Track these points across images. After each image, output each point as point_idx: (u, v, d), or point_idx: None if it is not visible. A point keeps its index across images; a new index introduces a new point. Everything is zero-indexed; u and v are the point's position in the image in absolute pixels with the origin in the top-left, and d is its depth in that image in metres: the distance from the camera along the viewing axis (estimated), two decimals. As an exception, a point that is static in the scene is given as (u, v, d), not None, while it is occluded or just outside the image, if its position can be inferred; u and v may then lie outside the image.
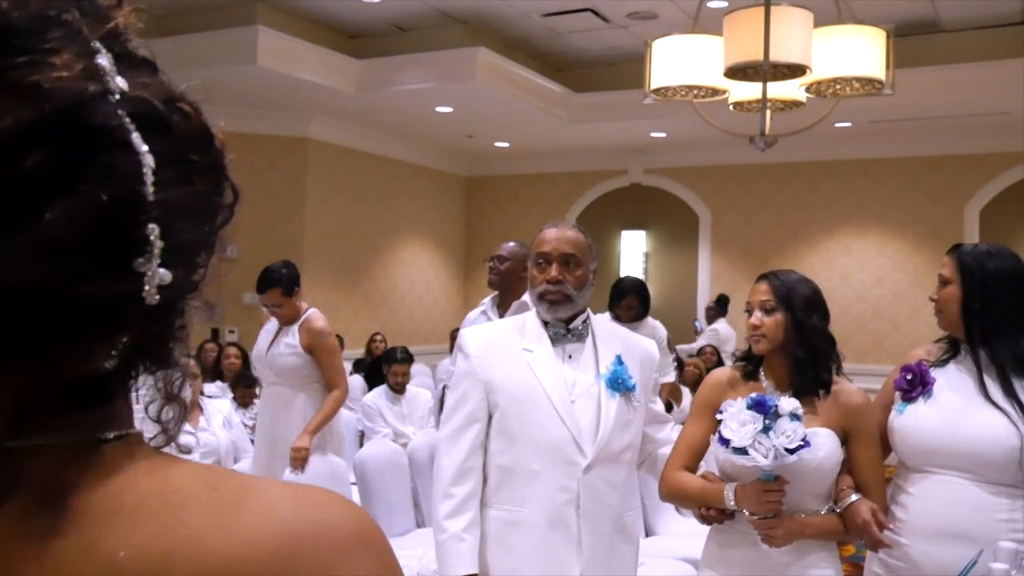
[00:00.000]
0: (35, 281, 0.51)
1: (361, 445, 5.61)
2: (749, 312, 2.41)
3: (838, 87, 4.31)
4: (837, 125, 8.76)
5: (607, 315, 5.60)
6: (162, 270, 0.56)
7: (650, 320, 5.70)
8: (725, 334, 9.24)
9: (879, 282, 9.93)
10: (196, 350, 7.25)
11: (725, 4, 6.29)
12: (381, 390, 6.08)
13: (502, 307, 4.04)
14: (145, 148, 0.55)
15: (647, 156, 10.97)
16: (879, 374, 2.71)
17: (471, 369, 2.46)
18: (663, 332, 5.79)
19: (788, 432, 2.14)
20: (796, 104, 4.59)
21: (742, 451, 2.16)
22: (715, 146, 9.83)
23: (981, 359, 2.37)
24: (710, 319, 9.67)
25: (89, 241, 0.52)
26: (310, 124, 9.29)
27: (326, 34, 8.35)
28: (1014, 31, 7.86)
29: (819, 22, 4.07)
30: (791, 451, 2.13)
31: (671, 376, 6.01)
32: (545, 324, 2.49)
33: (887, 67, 4.14)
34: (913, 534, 2.36)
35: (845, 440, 2.36)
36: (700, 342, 9.14)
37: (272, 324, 4.65)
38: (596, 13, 7.92)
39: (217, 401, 5.14)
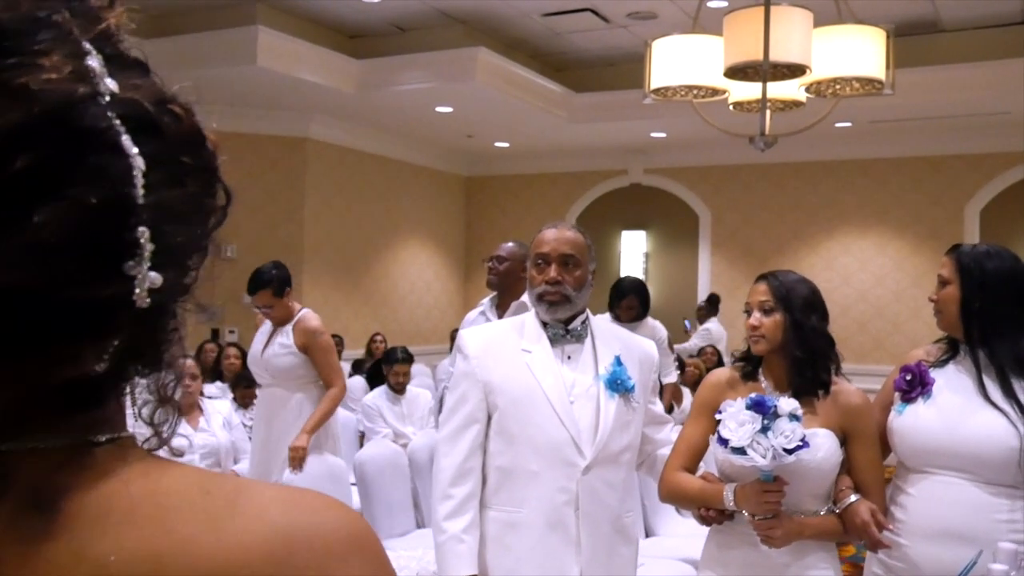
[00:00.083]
0: (24, 284, 0.51)
1: (361, 445, 5.60)
2: (748, 313, 2.41)
3: (838, 87, 4.30)
4: (837, 125, 8.76)
5: (607, 315, 5.60)
6: (152, 273, 0.55)
7: (650, 320, 5.70)
8: (717, 333, 9.24)
9: (879, 282, 9.93)
10: (196, 350, 7.26)
11: (725, 4, 6.29)
12: (381, 390, 6.08)
13: (501, 308, 4.04)
14: (135, 150, 0.54)
15: (647, 156, 10.96)
16: (879, 374, 2.71)
17: (470, 370, 2.45)
18: (663, 333, 5.79)
19: (787, 432, 2.14)
20: (796, 104, 4.59)
21: (741, 451, 2.16)
22: (715, 146, 9.83)
23: (980, 359, 2.36)
24: (701, 319, 9.65)
25: (78, 244, 0.52)
26: (310, 124, 9.29)
27: (326, 34, 8.35)
28: (1014, 31, 7.85)
29: (819, 22, 4.07)
30: (790, 451, 2.13)
31: (673, 377, 6.01)
32: (544, 325, 2.49)
33: (887, 67, 4.14)
34: (913, 535, 2.36)
35: (844, 440, 2.36)
36: (693, 341, 9.13)
37: (267, 326, 4.64)
38: (596, 13, 7.92)
39: (217, 402, 5.14)
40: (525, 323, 2.52)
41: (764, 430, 2.14)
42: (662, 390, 5.95)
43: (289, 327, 4.52)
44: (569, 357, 2.47)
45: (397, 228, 10.78)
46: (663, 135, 9.93)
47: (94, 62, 0.54)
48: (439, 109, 8.91)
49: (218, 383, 6.71)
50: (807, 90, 4.36)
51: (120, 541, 0.54)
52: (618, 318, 5.56)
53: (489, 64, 8.00)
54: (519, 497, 2.38)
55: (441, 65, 8.00)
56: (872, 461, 2.39)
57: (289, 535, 0.56)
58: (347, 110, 9.01)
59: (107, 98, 0.54)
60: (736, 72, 4.08)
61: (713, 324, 9.43)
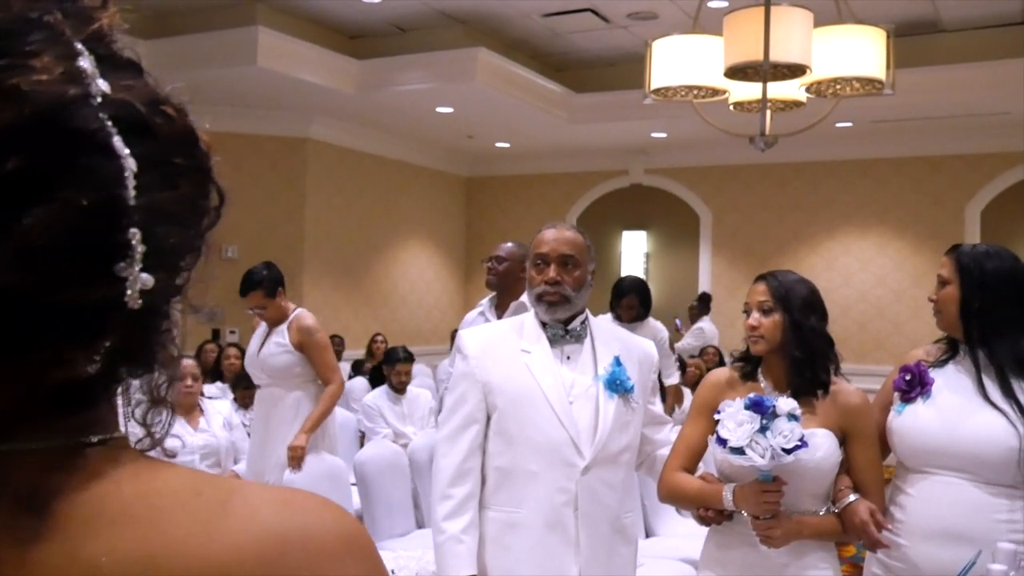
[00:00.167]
0: (14, 286, 0.51)
1: (362, 446, 5.60)
2: (747, 313, 2.41)
3: (838, 87, 4.30)
4: (838, 125, 8.75)
5: (609, 316, 5.60)
6: (144, 275, 0.55)
7: (652, 321, 5.70)
8: (710, 332, 9.24)
9: (880, 282, 9.92)
10: (196, 351, 7.26)
11: (725, 4, 6.28)
12: (382, 390, 6.07)
13: (500, 308, 4.04)
14: (127, 151, 0.54)
15: (648, 156, 10.96)
16: (880, 374, 2.71)
17: (469, 370, 2.45)
18: (665, 333, 5.79)
19: (785, 432, 2.14)
20: (796, 104, 4.58)
21: (739, 451, 2.16)
22: (716, 146, 9.82)
23: (980, 359, 2.36)
24: (693, 318, 9.63)
25: (69, 246, 0.52)
26: (310, 125, 9.29)
27: (326, 35, 8.35)
28: (1014, 31, 7.85)
29: (819, 22, 4.06)
30: (788, 451, 2.13)
31: (676, 378, 6.00)
32: (543, 325, 2.49)
33: (887, 67, 4.13)
34: (912, 535, 2.36)
35: (843, 440, 2.36)
36: (688, 340, 9.12)
37: (263, 327, 4.64)
38: (596, 13, 7.92)
39: (217, 402, 5.13)
40: (524, 323, 2.52)
41: (763, 430, 2.14)
42: (665, 391, 5.95)
43: (284, 326, 4.52)
44: (568, 357, 2.47)
45: (397, 228, 10.78)
46: (663, 135, 9.93)
47: (86, 63, 0.54)
48: (439, 109, 8.91)
49: (218, 383, 6.71)
50: (807, 90, 4.35)
51: (112, 542, 0.53)
52: (619, 318, 5.56)
53: (489, 64, 8.00)
54: (518, 497, 2.38)
55: (441, 65, 8.00)
56: (871, 461, 2.38)
57: (281, 536, 0.56)
58: (347, 110, 9.01)
59: (99, 99, 0.54)
60: (736, 72, 4.08)
61: (705, 323, 9.43)
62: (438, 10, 7.97)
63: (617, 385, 2.42)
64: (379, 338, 9.20)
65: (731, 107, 4.63)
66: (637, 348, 2.58)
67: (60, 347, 0.54)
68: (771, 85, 4.15)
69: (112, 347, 0.56)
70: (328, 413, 4.53)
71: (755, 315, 2.38)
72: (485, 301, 4.17)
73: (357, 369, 8.43)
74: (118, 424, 0.60)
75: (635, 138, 10.17)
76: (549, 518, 2.36)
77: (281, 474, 4.40)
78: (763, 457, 2.13)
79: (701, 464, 2.50)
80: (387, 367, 6.08)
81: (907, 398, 2.43)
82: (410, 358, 6.14)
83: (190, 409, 4.57)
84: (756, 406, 2.17)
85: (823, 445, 2.29)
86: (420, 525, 4.77)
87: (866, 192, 10.02)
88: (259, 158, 9.13)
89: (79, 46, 0.54)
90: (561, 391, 2.40)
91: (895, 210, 9.89)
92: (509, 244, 4.17)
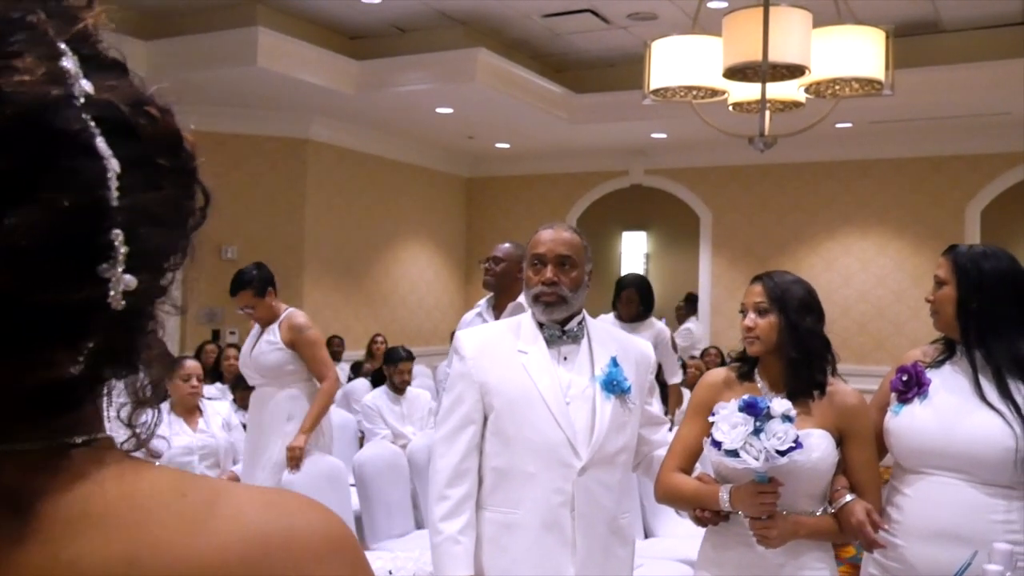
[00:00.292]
0: None
1: (361, 447, 5.60)
2: (743, 314, 2.41)
3: (837, 88, 4.29)
4: (838, 126, 8.75)
5: (610, 316, 5.60)
6: (127, 276, 0.55)
7: (654, 320, 5.70)
8: (699, 333, 9.23)
9: (880, 283, 9.92)
10: (196, 351, 7.26)
11: (725, 4, 6.28)
12: (381, 390, 6.07)
13: (498, 309, 4.04)
14: (110, 153, 0.54)
15: (648, 157, 10.96)
16: (880, 375, 2.70)
17: (466, 371, 2.45)
18: (667, 333, 5.79)
19: (779, 434, 2.13)
20: (795, 105, 4.58)
21: (734, 454, 2.16)
22: (716, 147, 9.82)
23: (977, 360, 2.36)
24: (681, 319, 9.61)
25: (51, 247, 0.52)
26: (310, 125, 9.29)
27: (326, 35, 8.35)
28: (1014, 31, 7.84)
29: (819, 22, 4.06)
30: (782, 453, 2.13)
31: (678, 377, 6.00)
32: (540, 326, 2.49)
33: (886, 67, 4.13)
34: (909, 535, 2.36)
35: (840, 441, 2.36)
36: (676, 341, 9.11)
37: (258, 327, 4.64)
38: (596, 14, 7.91)
39: (217, 403, 5.13)
40: (521, 324, 2.52)
41: (757, 432, 2.14)
42: (667, 391, 5.95)
43: (275, 325, 4.51)
44: (565, 358, 2.47)
45: (398, 229, 10.78)
46: (664, 136, 9.93)
47: (69, 63, 0.54)
48: (439, 110, 8.91)
49: (218, 384, 6.72)
50: (806, 91, 4.35)
51: (95, 544, 0.53)
52: (620, 317, 5.56)
53: (489, 65, 8.00)
54: (515, 498, 2.38)
55: (441, 66, 8.00)
56: (868, 461, 2.38)
57: (265, 537, 0.56)
58: (347, 111, 9.01)
59: (82, 100, 0.54)
60: (735, 73, 4.08)
61: (693, 323, 9.43)
62: (438, 11, 7.97)
63: (614, 386, 2.42)
64: (379, 339, 9.20)
65: (730, 108, 4.63)
66: (634, 349, 2.58)
67: (43, 348, 0.53)
68: (770, 86, 4.14)
69: (96, 348, 0.56)
70: (325, 410, 4.52)
71: (751, 316, 2.38)
72: (483, 302, 4.17)
73: (356, 371, 8.43)
74: (103, 425, 0.60)
75: (635, 139, 10.16)
76: (546, 519, 2.36)
77: (273, 474, 4.38)
78: (757, 459, 2.13)
79: (698, 464, 2.50)
80: (389, 366, 6.07)
81: (904, 399, 2.43)
82: (411, 357, 6.14)
83: (190, 410, 4.57)
84: (750, 408, 2.17)
85: (819, 446, 2.29)
86: (419, 526, 4.77)
87: (866, 192, 10.01)
88: (259, 158, 9.14)
89: (62, 46, 0.54)
90: (558, 392, 2.40)
91: (895, 210, 9.88)
92: (506, 245, 4.17)
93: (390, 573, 3.14)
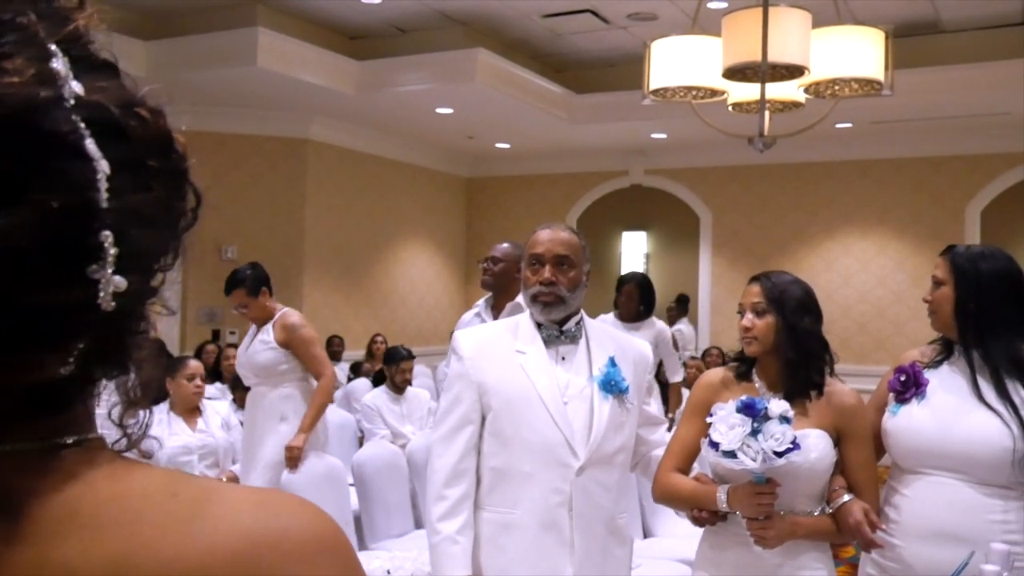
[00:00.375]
0: None
1: (360, 446, 5.60)
2: (741, 314, 2.41)
3: (837, 88, 4.29)
4: (838, 126, 8.75)
5: (611, 315, 5.61)
6: (117, 277, 0.55)
7: (655, 320, 5.70)
8: (688, 334, 9.22)
9: (880, 283, 9.92)
10: (196, 351, 7.26)
11: (725, 5, 6.28)
12: (381, 390, 6.07)
13: (496, 309, 4.03)
14: (100, 154, 0.54)
15: (648, 157, 10.96)
16: (880, 375, 2.70)
17: (464, 371, 2.46)
18: (668, 332, 5.80)
19: (777, 435, 2.13)
20: (795, 105, 4.58)
21: (731, 454, 2.16)
22: (716, 147, 9.82)
23: (975, 360, 2.36)
24: (672, 320, 9.60)
25: (40, 249, 0.52)
26: (310, 125, 9.29)
27: (326, 35, 8.35)
28: (1014, 31, 7.84)
29: (819, 22, 4.06)
30: (779, 454, 2.13)
31: (679, 376, 6.01)
32: (538, 326, 2.49)
33: (886, 68, 4.13)
34: (906, 535, 2.36)
35: (838, 441, 2.36)
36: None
37: (254, 328, 4.64)
38: (596, 14, 7.92)
39: (216, 403, 5.14)
40: (519, 324, 2.52)
41: (754, 433, 2.14)
42: (668, 389, 5.96)
43: (269, 325, 4.51)
44: (563, 358, 2.47)
45: (398, 229, 10.78)
46: (664, 136, 9.93)
47: (59, 65, 0.54)
48: (439, 110, 8.91)
49: (218, 384, 6.72)
50: (806, 91, 4.35)
51: (85, 544, 0.53)
52: (620, 316, 5.56)
53: (489, 65, 8.00)
54: (513, 498, 2.38)
55: (441, 66, 8.00)
56: (865, 461, 2.38)
57: (256, 537, 0.56)
58: (347, 111, 9.01)
59: (72, 101, 0.54)
60: (735, 73, 4.08)
61: (683, 325, 9.41)
62: (438, 11, 7.97)
63: (612, 386, 2.42)
64: (379, 338, 9.20)
65: (730, 108, 4.63)
66: (632, 349, 2.58)
67: (33, 349, 0.54)
68: (770, 86, 4.14)
69: (86, 349, 0.56)
70: (324, 408, 4.51)
71: (749, 316, 2.38)
72: (481, 302, 4.17)
73: (356, 371, 8.43)
74: (94, 425, 0.60)
75: (635, 139, 10.17)
76: (544, 519, 2.36)
77: (265, 473, 4.37)
78: (755, 460, 2.13)
79: (696, 464, 2.50)
80: (389, 366, 6.07)
81: (902, 399, 2.43)
82: (412, 356, 6.14)
83: (190, 410, 4.58)
84: (747, 409, 2.17)
85: (817, 446, 2.29)
86: (418, 525, 4.76)
87: (866, 192, 10.02)
88: (259, 158, 9.14)
89: (53, 48, 0.54)
90: (556, 392, 2.40)
91: (895, 211, 9.88)
92: (505, 245, 4.17)
93: (388, 573, 3.14)
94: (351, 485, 4.72)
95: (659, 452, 2.56)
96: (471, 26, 8.35)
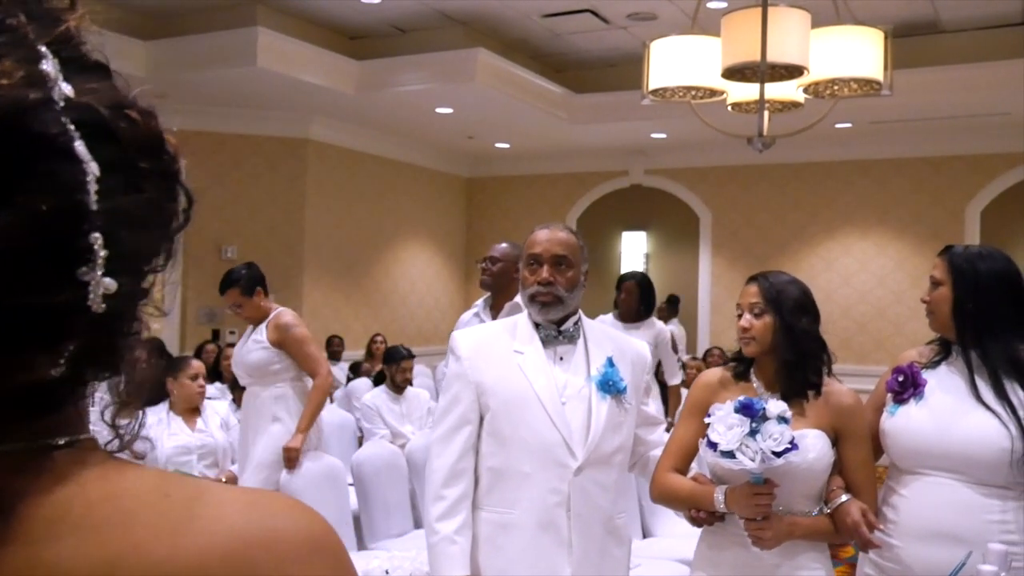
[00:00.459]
0: None
1: (360, 446, 5.60)
2: (739, 314, 2.41)
3: (836, 88, 4.29)
4: (837, 126, 8.75)
5: (610, 316, 5.61)
6: (107, 279, 0.55)
7: (655, 320, 5.71)
8: (679, 335, 9.21)
9: (880, 283, 9.92)
10: (196, 351, 7.27)
11: (724, 5, 6.28)
12: (381, 389, 6.07)
13: (495, 309, 4.04)
14: (89, 156, 0.54)
15: (648, 157, 10.96)
16: (879, 375, 2.70)
17: (462, 371, 2.46)
18: (667, 333, 5.80)
19: (775, 435, 2.13)
20: (794, 105, 4.58)
21: (729, 455, 2.16)
22: (716, 147, 9.82)
23: (972, 360, 2.36)
24: (662, 320, 9.60)
25: (29, 251, 0.52)
26: (310, 125, 9.30)
27: (326, 35, 8.35)
28: (1014, 31, 7.84)
29: (818, 22, 4.06)
30: (778, 454, 2.13)
31: (678, 378, 6.01)
32: (536, 326, 2.49)
33: (885, 68, 4.13)
34: (905, 535, 2.36)
35: (836, 441, 2.36)
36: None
37: (250, 328, 4.64)
38: (596, 14, 7.91)
39: (216, 403, 5.14)
40: (517, 324, 2.53)
41: (752, 433, 2.14)
42: (667, 392, 5.95)
43: (264, 324, 4.51)
44: (561, 358, 2.47)
45: (398, 229, 10.78)
46: (663, 136, 9.93)
47: (49, 67, 0.54)
48: (439, 110, 8.91)
49: (217, 384, 6.71)
50: (805, 91, 4.35)
51: (76, 545, 0.53)
52: (620, 316, 5.56)
53: (489, 65, 8.00)
54: (511, 498, 2.39)
55: (441, 66, 8.00)
56: (863, 461, 2.38)
57: (247, 538, 0.56)
58: (347, 111, 9.01)
59: (61, 103, 0.54)
60: (734, 73, 4.07)
61: (674, 326, 9.41)
62: (438, 11, 7.97)
63: (610, 386, 2.42)
64: (379, 338, 9.20)
65: (729, 108, 4.62)
66: (630, 349, 2.58)
67: (22, 350, 0.54)
68: (769, 86, 4.14)
69: (77, 350, 0.56)
70: (320, 407, 4.50)
71: (747, 317, 2.38)
72: (480, 302, 4.17)
73: (356, 371, 8.43)
74: (86, 426, 0.60)
75: (635, 139, 10.17)
76: (542, 519, 2.36)
77: (256, 473, 4.35)
78: (753, 461, 2.13)
79: (694, 464, 2.50)
80: (390, 365, 6.07)
81: (900, 399, 2.43)
82: (412, 355, 6.15)
83: (190, 410, 4.58)
84: (746, 409, 2.17)
85: (815, 446, 2.29)
86: (418, 525, 4.76)
87: (866, 193, 10.01)
88: (259, 158, 9.14)
89: (43, 49, 0.54)
90: (554, 392, 2.40)
91: (895, 211, 9.88)
92: (503, 245, 4.17)
93: (387, 573, 3.14)
94: (350, 485, 4.72)
95: (657, 452, 2.56)
96: (471, 26, 8.35)
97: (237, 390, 5.94)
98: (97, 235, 0.54)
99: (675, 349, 6.56)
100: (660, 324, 5.76)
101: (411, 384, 6.09)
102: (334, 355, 9.06)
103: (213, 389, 6.44)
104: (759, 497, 2.21)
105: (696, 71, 4.21)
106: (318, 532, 0.59)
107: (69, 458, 0.57)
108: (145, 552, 0.54)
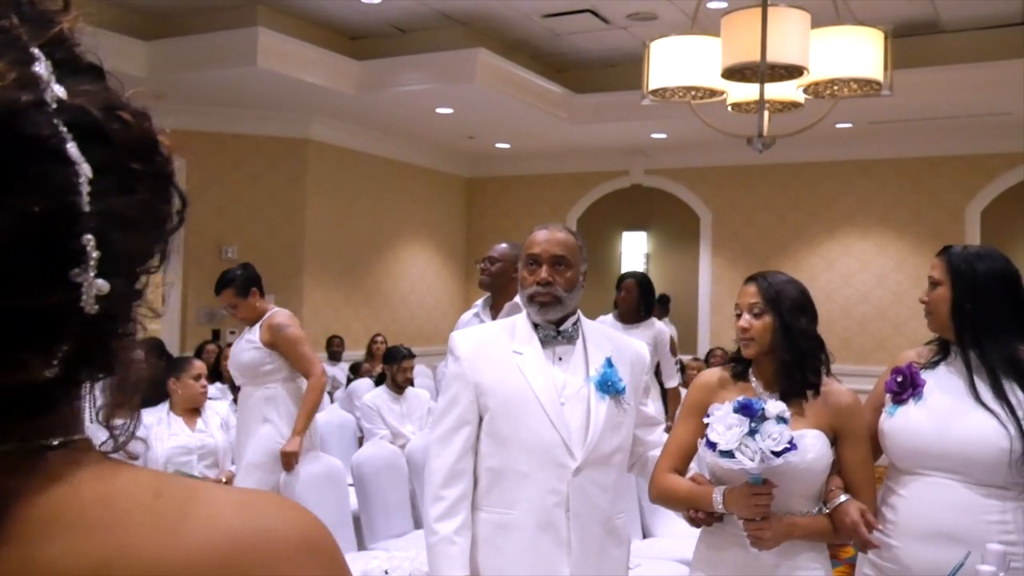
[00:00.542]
0: None
1: (360, 446, 5.60)
2: (738, 315, 2.41)
3: (836, 88, 4.29)
4: (838, 126, 8.75)
5: (610, 316, 5.61)
6: (100, 280, 0.55)
7: (655, 320, 5.70)
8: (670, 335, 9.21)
9: (880, 283, 9.92)
10: (196, 351, 7.27)
11: (724, 5, 6.28)
12: (381, 389, 6.07)
13: (494, 309, 4.03)
14: (82, 158, 0.54)
15: (648, 157, 10.96)
16: (880, 375, 2.70)
17: (461, 372, 2.46)
18: (667, 334, 5.80)
19: (774, 435, 2.13)
20: (794, 105, 4.58)
21: (729, 455, 2.16)
22: (716, 147, 9.82)
23: (971, 361, 2.36)
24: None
25: (22, 252, 0.52)
26: (311, 125, 9.30)
27: (326, 35, 8.35)
28: (1014, 31, 7.83)
29: (818, 22, 4.06)
30: (777, 454, 2.13)
31: (675, 381, 6.00)
32: (535, 326, 2.49)
33: (885, 68, 4.13)
34: (903, 536, 2.36)
35: (835, 441, 2.36)
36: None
37: (247, 328, 4.64)
38: (596, 14, 7.92)
39: (216, 403, 5.14)
40: (516, 324, 2.53)
41: (751, 433, 2.14)
42: (666, 395, 5.95)
43: (257, 324, 4.50)
44: (560, 358, 2.47)
45: (398, 229, 10.78)
46: (664, 136, 9.93)
47: (41, 69, 0.54)
48: (439, 110, 8.91)
49: (218, 384, 6.72)
50: (805, 91, 4.35)
51: (69, 546, 0.54)
52: (620, 316, 5.56)
53: (489, 65, 8.00)
54: (510, 499, 2.39)
55: (441, 66, 8.00)
56: (862, 461, 2.38)
57: (241, 538, 0.56)
58: (348, 111, 9.01)
59: (53, 105, 0.54)
60: (734, 73, 4.07)
61: (663, 325, 9.40)
62: (438, 11, 7.97)
63: (608, 386, 2.42)
64: (379, 339, 9.20)
65: (729, 108, 4.62)
66: (629, 349, 2.58)
67: (16, 352, 0.54)
68: (769, 86, 4.14)
69: (70, 351, 0.56)
70: (316, 407, 4.49)
71: (746, 317, 2.38)
72: (479, 302, 4.17)
73: (356, 371, 8.43)
74: (81, 427, 0.60)
75: (635, 139, 10.17)
76: (541, 519, 2.36)
77: (248, 474, 4.32)
78: (752, 460, 2.13)
79: (693, 464, 2.50)
80: (391, 365, 6.07)
81: (899, 400, 2.43)
82: (412, 355, 6.15)
83: (190, 410, 4.58)
84: (745, 409, 2.17)
85: (814, 446, 2.29)
86: (418, 525, 4.76)
87: (866, 193, 10.01)
88: (259, 158, 9.15)
89: (35, 51, 0.54)
90: (552, 392, 2.40)
91: (895, 211, 9.88)
92: (502, 245, 4.17)
93: (386, 573, 3.14)
94: (350, 485, 4.72)
95: (656, 452, 2.56)
96: (471, 26, 8.35)
97: (237, 390, 5.94)
98: (90, 237, 0.54)
99: (674, 352, 6.56)
100: (660, 325, 5.77)
101: (412, 384, 6.09)
102: (334, 355, 9.06)
103: (214, 389, 6.44)
104: (758, 497, 2.21)
105: (696, 71, 4.21)
106: (312, 533, 0.60)
107: (63, 459, 0.57)
108: (138, 552, 0.54)
